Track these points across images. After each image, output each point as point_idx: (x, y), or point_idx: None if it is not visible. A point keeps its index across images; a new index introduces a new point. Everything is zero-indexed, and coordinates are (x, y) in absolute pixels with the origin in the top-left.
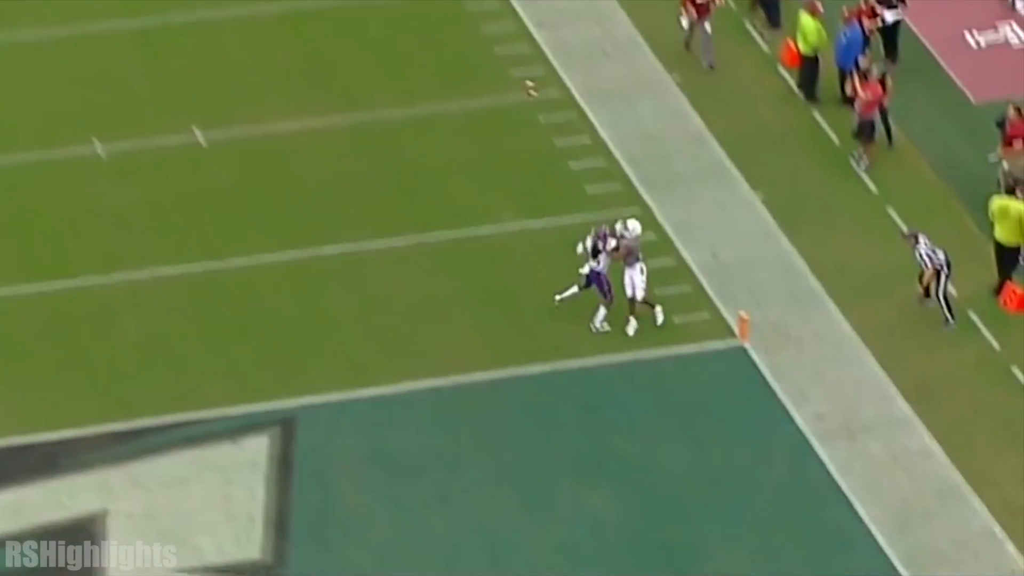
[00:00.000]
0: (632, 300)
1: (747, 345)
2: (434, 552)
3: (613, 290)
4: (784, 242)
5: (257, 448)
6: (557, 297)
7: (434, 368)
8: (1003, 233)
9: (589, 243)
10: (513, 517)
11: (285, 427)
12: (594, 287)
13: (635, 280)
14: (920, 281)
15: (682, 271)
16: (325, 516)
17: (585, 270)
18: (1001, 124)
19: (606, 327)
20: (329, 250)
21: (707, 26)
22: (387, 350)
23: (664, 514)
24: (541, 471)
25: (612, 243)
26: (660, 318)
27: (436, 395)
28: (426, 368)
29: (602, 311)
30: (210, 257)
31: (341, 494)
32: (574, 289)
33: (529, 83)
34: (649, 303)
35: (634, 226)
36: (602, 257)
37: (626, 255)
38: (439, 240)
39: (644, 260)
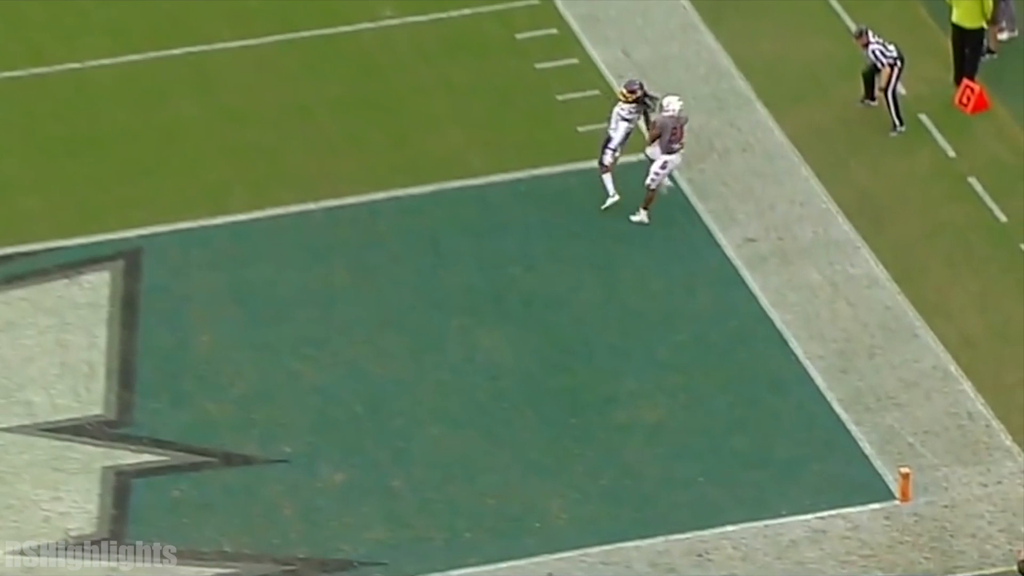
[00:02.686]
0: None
1: None
2: (304, 403)
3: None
4: (707, 37)
5: (97, 286)
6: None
7: (301, 190)
8: (961, 14)
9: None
10: (395, 362)
11: (129, 261)
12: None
13: (656, 167)
14: (864, 80)
15: (588, 72)
16: (177, 364)
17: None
18: None
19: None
20: (176, 51)
21: None
22: (246, 169)
23: (569, 356)
24: (427, 309)
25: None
26: (640, 216)
27: (304, 222)
28: (292, 190)
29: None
30: (36, 62)
31: (196, 338)
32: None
33: None
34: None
35: (669, 101)
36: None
37: (658, 134)
38: (305, 39)
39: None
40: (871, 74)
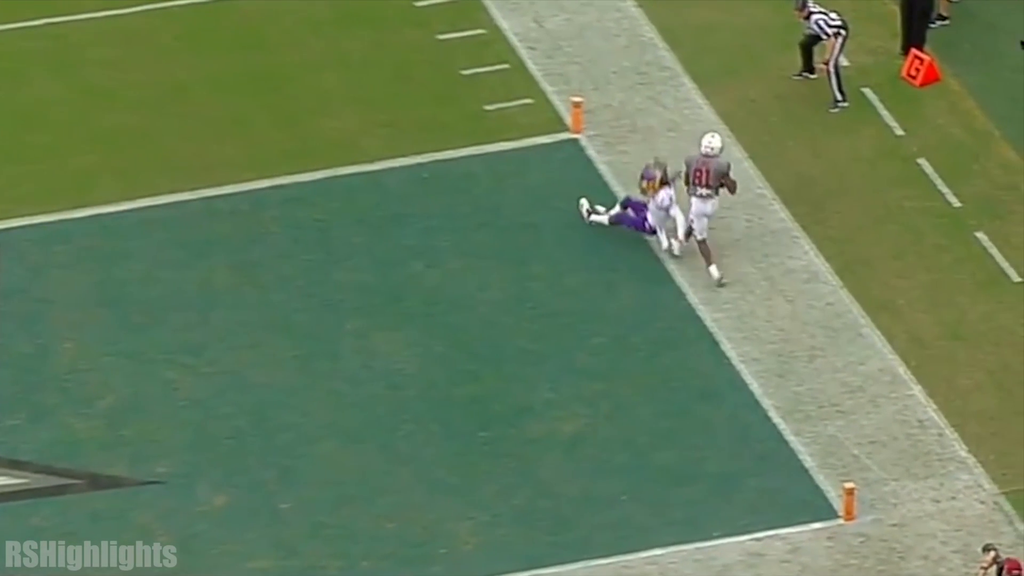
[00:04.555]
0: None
1: (581, 138)
2: (180, 418)
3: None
4: (628, 4)
5: None
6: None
7: (176, 178)
8: None
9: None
10: (281, 370)
11: None
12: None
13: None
14: (802, 51)
15: (497, 44)
16: (37, 375)
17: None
18: None
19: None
20: (35, 23)
21: None
22: (114, 155)
23: (477, 363)
24: (317, 310)
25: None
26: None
27: (180, 213)
28: (166, 178)
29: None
30: None
31: (58, 346)
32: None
33: None
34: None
35: (703, 137)
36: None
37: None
38: (180, 8)
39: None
40: (810, 45)
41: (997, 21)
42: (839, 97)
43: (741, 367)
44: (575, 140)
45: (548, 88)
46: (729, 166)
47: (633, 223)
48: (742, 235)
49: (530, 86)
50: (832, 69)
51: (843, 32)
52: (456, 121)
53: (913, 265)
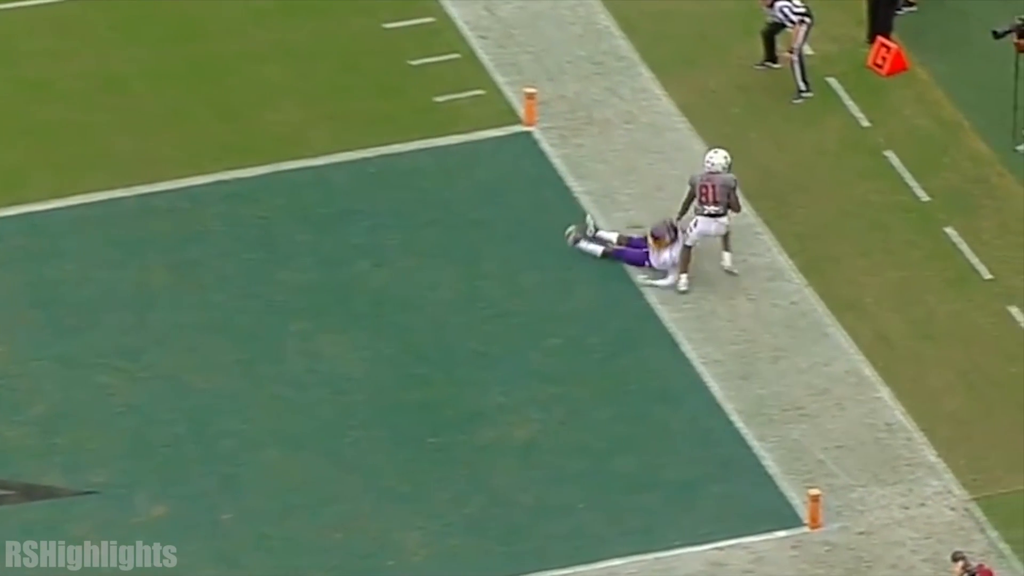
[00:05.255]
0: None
1: (535, 131)
2: (116, 425)
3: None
4: None
5: None
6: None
7: (111, 174)
8: None
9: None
10: (223, 375)
11: None
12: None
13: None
14: (765, 40)
15: (447, 33)
16: None
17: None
18: None
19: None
20: None
21: None
22: (45, 150)
23: (427, 366)
24: (260, 312)
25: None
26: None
27: (115, 211)
28: (100, 175)
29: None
30: None
31: None
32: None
33: None
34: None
35: (710, 156)
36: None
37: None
38: None
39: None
40: (772, 32)
41: (966, 7)
42: (803, 87)
43: (702, 369)
44: (528, 133)
45: (500, 79)
46: (736, 182)
47: (633, 258)
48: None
49: (481, 77)
50: (796, 58)
51: (807, 19)
52: (404, 113)
53: (880, 262)
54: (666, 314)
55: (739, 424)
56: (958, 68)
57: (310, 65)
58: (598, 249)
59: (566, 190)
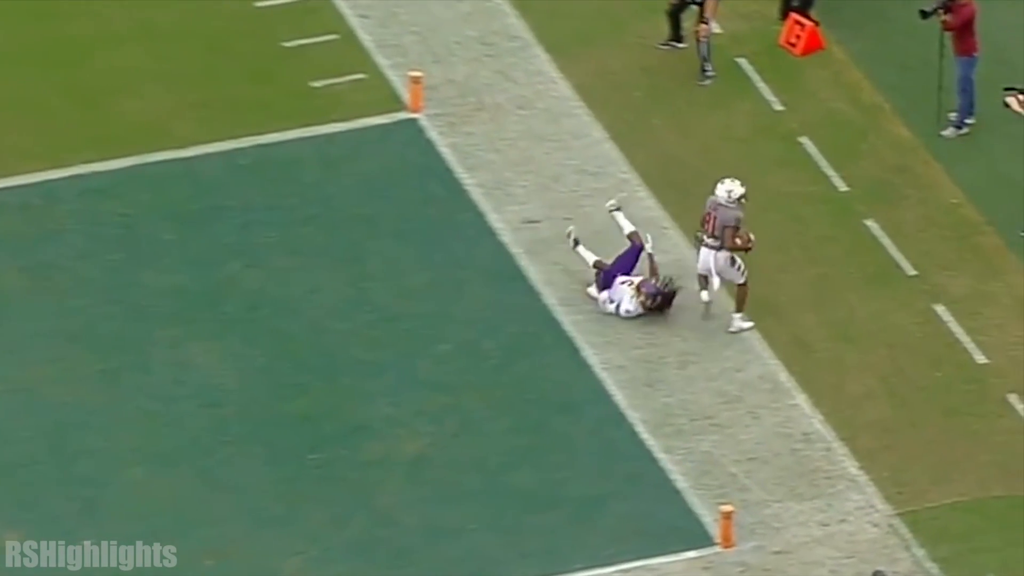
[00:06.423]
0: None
1: (421, 118)
2: None
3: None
4: None
5: None
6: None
7: None
8: None
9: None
10: (82, 387)
11: None
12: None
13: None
14: (670, 17)
15: (324, 11)
16: None
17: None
18: None
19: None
20: None
21: None
22: None
23: (307, 375)
24: (122, 318)
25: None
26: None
27: None
28: None
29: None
30: None
31: None
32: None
33: None
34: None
35: (721, 189)
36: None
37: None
38: None
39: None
40: (677, 10)
41: None
42: (708, 69)
43: (604, 376)
44: (414, 120)
45: (382, 61)
46: (737, 220)
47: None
48: (604, 226)
49: (362, 59)
50: (706, 37)
51: None
52: (279, 100)
53: (796, 258)
54: (565, 317)
55: (645, 435)
56: (878, 46)
57: (175, 48)
58: (591, 257)
59: (455, 182)
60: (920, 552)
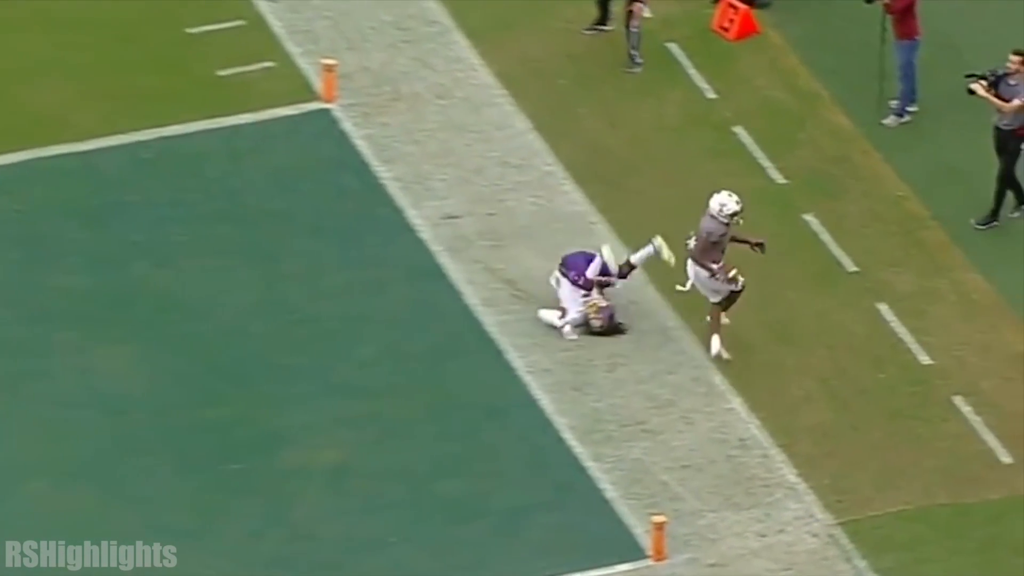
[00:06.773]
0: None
1: (335, 108)
2: None
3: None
4: None
5: None
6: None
7: None
8: None
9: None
10: None
11: None
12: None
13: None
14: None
15: None
16: None
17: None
18: None
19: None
20: None
21: None
22: None
23: (220, 381)
24: (20, 321)
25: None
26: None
27: None
28: None
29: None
30: None
31: None
32: None
33: None
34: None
35: (715, 201)
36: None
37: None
38: None
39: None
40: None
41: None
42: (636, 56)
43: (529, 380)
44: (327, 110)
45: (293, 48)
46: (720, 236)
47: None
48: (529, 221)
49: (271, 46)
50: (638, 23)
51: None
52: (184, 90)
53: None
54: (489, 318)
55: (573, 443)
56: (815, 31)
57: (75, 35)
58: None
59: (372, 176)
60: (862, 563)
